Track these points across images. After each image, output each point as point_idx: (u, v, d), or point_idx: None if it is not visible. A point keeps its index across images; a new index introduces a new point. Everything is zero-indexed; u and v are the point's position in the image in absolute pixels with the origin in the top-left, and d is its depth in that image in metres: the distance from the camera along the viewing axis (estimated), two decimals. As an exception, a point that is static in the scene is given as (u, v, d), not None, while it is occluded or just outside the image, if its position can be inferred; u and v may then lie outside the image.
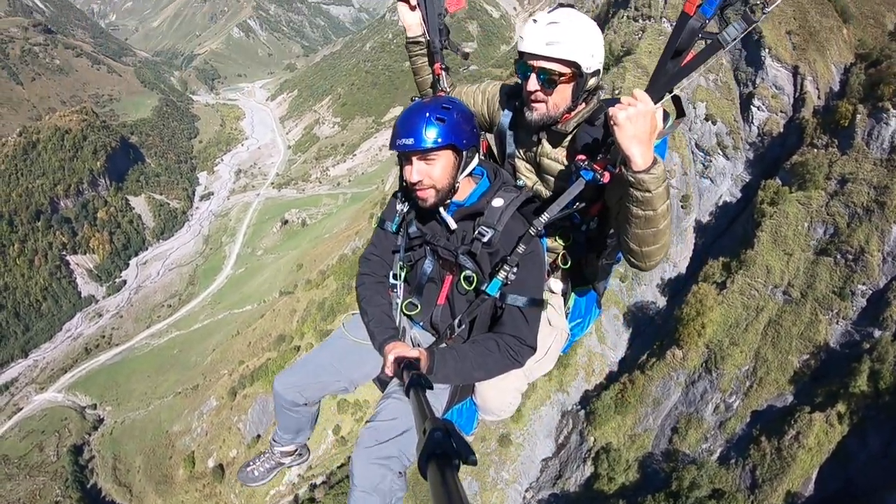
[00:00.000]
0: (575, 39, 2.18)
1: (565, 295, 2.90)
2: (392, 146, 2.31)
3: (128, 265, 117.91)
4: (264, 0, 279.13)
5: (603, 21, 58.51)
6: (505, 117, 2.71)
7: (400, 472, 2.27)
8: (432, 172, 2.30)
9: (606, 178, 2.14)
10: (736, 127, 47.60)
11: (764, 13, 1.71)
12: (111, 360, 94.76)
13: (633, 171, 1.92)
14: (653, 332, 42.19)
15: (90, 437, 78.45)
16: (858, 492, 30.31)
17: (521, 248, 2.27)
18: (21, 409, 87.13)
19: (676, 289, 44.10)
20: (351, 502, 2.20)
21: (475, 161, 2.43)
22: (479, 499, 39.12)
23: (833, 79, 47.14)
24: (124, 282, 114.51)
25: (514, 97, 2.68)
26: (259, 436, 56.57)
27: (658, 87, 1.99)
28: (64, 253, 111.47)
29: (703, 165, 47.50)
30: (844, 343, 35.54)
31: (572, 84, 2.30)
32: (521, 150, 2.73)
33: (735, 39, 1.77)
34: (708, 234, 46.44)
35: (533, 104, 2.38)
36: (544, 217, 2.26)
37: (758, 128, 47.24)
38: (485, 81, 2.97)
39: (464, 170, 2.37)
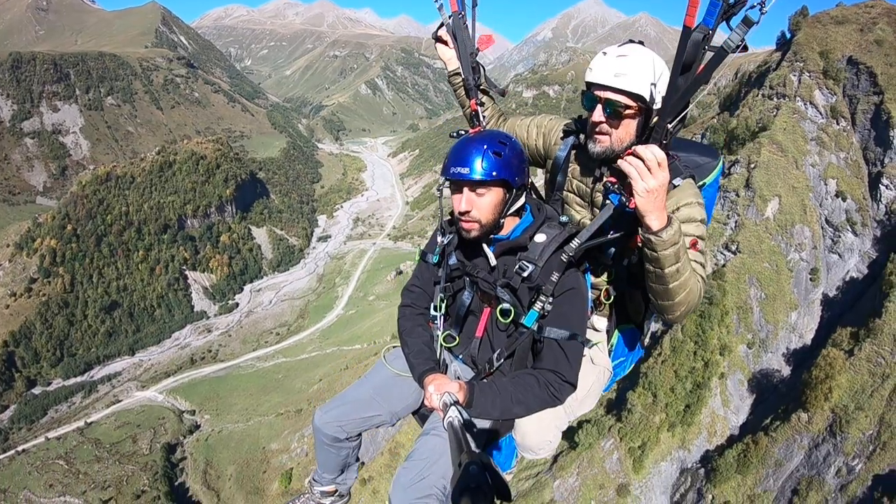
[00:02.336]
0: (643, 73, 2.22)
1: (609, 333, 2.88)
2: (444, 173, 2.34)
3: (242, 290, 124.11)
4: (392, 62, 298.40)
5: (735, 98, 60.72)
6: (562, 151, 2.71)
7: None
8: (481, 205, 2.30)
9: (633, 204, 2.12)
10: (865, 204, 47.99)
11: (762, 13, 1.73)
12: (215, 374, 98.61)
13: (644, 231, 2.03)
14: (776, 399, 42.07)
15: (184, 440, 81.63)
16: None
17: (555, 277, 2.27)
18: (120, 401, 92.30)
19: (801, 359, 43.92)
20: None
21: (522, 199, 2.42)
22: None
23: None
24: (237, 304, 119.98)
25: (573, 133, 2.68)
26: (363, 463, 57.93)
27: (673, 104, 2.02)
28: (184, 268, 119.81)
29: (832, 241, 47.95)
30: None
31: (637, 119, 2.31)
32: (574, 185, 2.71)
33: (738, 45, 1.79)
34: (835, 307, 46.28)
35: (597, 136, 2.39)
36: (575, 242, 2.29)
37: (886, 206, 47.43)
38: (540, 115, 3.00)
39: (511, 206, 2.37)
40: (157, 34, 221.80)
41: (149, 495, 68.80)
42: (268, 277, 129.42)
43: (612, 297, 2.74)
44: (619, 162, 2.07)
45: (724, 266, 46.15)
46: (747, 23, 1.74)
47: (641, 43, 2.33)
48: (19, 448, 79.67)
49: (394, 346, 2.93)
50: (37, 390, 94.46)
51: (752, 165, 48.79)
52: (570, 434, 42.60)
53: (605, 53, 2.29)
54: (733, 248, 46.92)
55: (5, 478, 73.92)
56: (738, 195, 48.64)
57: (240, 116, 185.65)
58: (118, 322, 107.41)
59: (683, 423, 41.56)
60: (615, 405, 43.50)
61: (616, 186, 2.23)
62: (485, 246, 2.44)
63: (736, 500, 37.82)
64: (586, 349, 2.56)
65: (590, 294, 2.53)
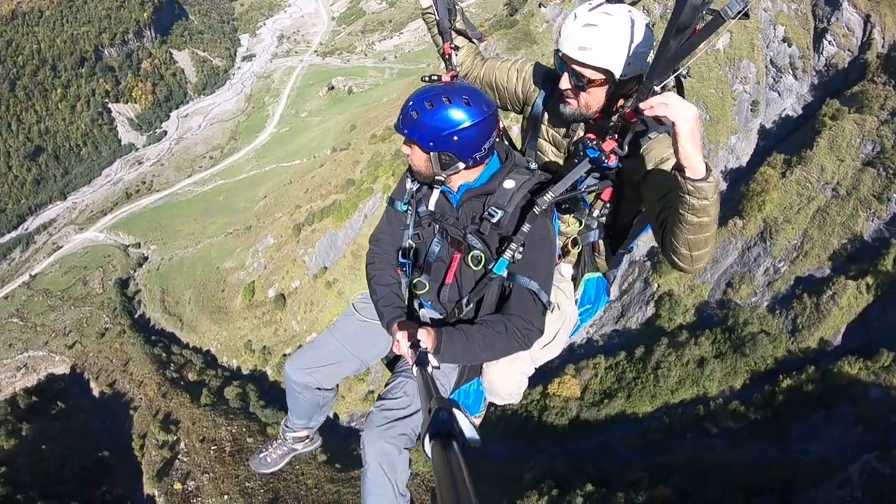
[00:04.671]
0: (610, 46, 2.14)
1: (575, 280, 2.90)
2: None
3: (168, 117, 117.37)
4: None
5: None
6: (539, 99, 2.70)
7: (407, 449, 2.38)
8: (413, 156, 2.34)
9: (612, 160, 2.17)
10: (808, 54, 53.49)
11: None
12: (153, 204, 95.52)
13: (692, 179, 1.85)
14: (714, 209, 48.85)
15: (135, 273, 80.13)
16: (874, 350, 36.61)
17: (526, 227, 2.26)
18: (61, 247, 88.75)
19: (736, 177, 50.42)
20: (365, 481, 2.35)
21: (459, 165, 2.30)
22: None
23: (897, 32, 53.19)
24: (165, 132, 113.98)
25: (551, 80, 2.64)
26: (326, 268, 58.69)
27: (662, 65, 1.97)
28: (106, 100, 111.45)
29: (774, 80, 53.67)
30: (876, 238, 41.93)
31: (605, 87, 2.29)
32: (549, 134, 2.72)
33: (738, 13, 1.72)
34: (769, 138, 52.72)
35: (567, 99, 2.40)
36: (549, 195, 2.26)
37: (826, 59, 53.20)
38: (522, 59, 2.94)
39: (444, 169, 2.30)
40: None
41: (113, 332, 68.35)
42: (194, 102, 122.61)
43: (581, 247, 2.77)
44: (646, 112, 1.94)
45: (673, 88, 50.73)
46: None
47: (621, 1, 2.22)
48: None
49: (362, 293, 2.92)
50: None
51: (709, 1, 52.26)
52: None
53: (574, 17, 2.22)
54: (684, 72, 51.14)
55: None
56: (693, 29, 52.78)
57: None
58: (45, 168, 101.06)
59: None
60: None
61: (595, 142, 2.22)
62: (435, 191, 2.48)
63: (678, 289, 44.58)
64: (553, 297, 2.47)
65: (558, 241, 2.55)
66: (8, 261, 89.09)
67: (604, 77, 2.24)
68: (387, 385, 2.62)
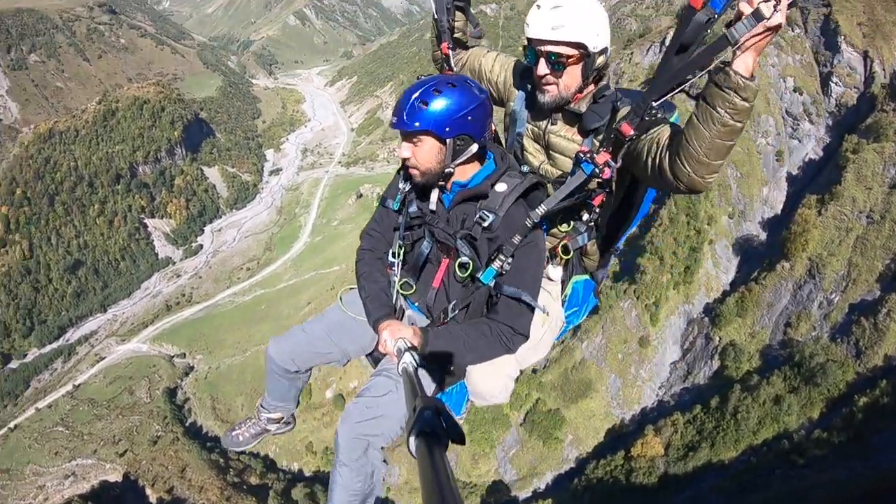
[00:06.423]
0: (579, 21, 2.22)
1: (563, 283, 2.92)
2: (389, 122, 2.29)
3: (203, 231, 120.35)
4: None
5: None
6: (518, 97, 2.74)
7: (382, 448, 2.35)
8: (418, 153, 2.29)
9: (606, 174, 2.18)
10: (818, 98, 56.26)
11: (776, 10, 1.64)
12: (194, 316, 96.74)
13: (743, 75, 1.81)
14: (757, 258, 50.02)
15: (182, 382, 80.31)
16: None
17: (517, 239, 2.27)
18: (103, 358, 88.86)
19: (773, 225, 52.11)
20: (334, 475, 2.33)
21: (472, 149, 2.32)
22: (622, 394, 46.37)
23: (896, 62, 56.40)
24: (201, 246, 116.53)
25: (527, 78, 2.68)
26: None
27: (663, 81, 2.00)
28: (142, 216, 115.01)
29: (793, 128, 56.37)
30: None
31: (581, 64, 2.35)
32: (530, 130, 2.73)
33: (743, 36, 1.71)
34: (797, 183, 54.68)
35: (544, 87, 2.43)
36: (541, 209, 2.29)
37: (836, 99, 55.86)
38: (504, 54, 2.95)
39: (456, 157, 2.31)
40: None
41: (165, 439, 67.50)
42: (227, 216, 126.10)
43: (571, 253, 2.79)
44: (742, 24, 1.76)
45: (703, 151, 53.62)
46: (757, 16, 1.69)
47: None
48: (10, 425, 75.90)
49: (350, 288, 2.93)
50: (14, 364, 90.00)
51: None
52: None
53: (538, 6, 2.29)
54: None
55: (3, 457, 70.37)
56: (709, 91, 56.25)
57: (170, 59, 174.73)
58: (84, 281, 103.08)
59: (685, 282, 49.06)
60: (626, 272, 49.99)
61: (588, 155, 2.25)
62: (434, 192, 2.45)
63: (739, 338, 45.32)
64: (540, 300, 2.45)
65: (546, 244, 2.58)
66: (50, 371, 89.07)
67: (578, 53, 2.33)
68: (368, 382, 2.59)
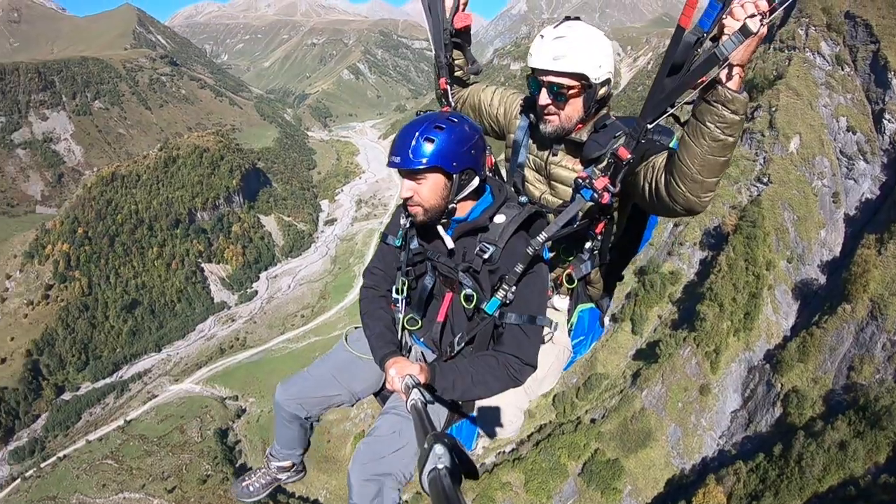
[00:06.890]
0: (581, 52, 2.25)
1: (569, 312, 2.90)
2: (388, 162, 2.25)
3: (258, 278, 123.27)
4: (371, 45, 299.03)
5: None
6: (521, 127, 2.76)
7: (398, 489, 2.33)
8: (421, 191, 2.26)
9: (605, 199, 2.20)
10: (872, 137, 55.76)
11: (762, 24, 1.64)
12: (248, 360, 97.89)
13: (731, 88, 1.82)
14: (817, 302, 48.98)
15: (234, 424, 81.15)
16: None
17: (519, 268, 2.24)
18: (156, 396, 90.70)
19: (833, 268, 51.10)
20: None
21: (474, 182, 2.31)
22: (682, 443, 45.61)
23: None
24: (256, 292, 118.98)
25: (531, 109, 2.66)
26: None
27: (655, 103, 2.00)
28: (199, 260, 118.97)
29: (848, 168, 55.79)
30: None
31: (582, 96, 2.37)
32: (531, 160, 2.75)
33: (731, 52, 1.71)
34: (855, 224, 53.75)
35: (546, 117, 2.46)
36: (542, 236, 2.27)
37: (889, 136, 55.28)
38: (505, 87, 3.00)
39: (460, 191, 2.29)
40: (134, 35, 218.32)
41: (214, 479, 68.46)
42: (282, 264, 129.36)
43: (575, 283, 2.78)
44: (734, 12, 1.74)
45: (759, 196, 53.26)
46: (745, 32, 1.68)
47: (578, 18, 2.37)
48: (60, 454, 77.87)
49: (355, 327, 2.92)
50: (67, 396, 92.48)
51: (774, 109, 56.27)
52: (650, 351, 48.82)
53: (542, 36, 2.34)
54: (764, 179, 54.24)
55: (51, 484, 72.09)
56: (763, 135, 56.42)
57: (228, 110, 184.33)
58: (140, 320, 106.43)
59: (745, 329, 48.23)
60: (685, 319, 49.48)
61: (587, 181, 2.29)
62: (440, 229, 2.41)
63: (802, 384, 44.24)
64: (546, 330, 2.41)
65: (550, 274, 2.62)
66: (101, 405, 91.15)
67: (580, 84, 2.34)
68: (376, 421, 2.57)
